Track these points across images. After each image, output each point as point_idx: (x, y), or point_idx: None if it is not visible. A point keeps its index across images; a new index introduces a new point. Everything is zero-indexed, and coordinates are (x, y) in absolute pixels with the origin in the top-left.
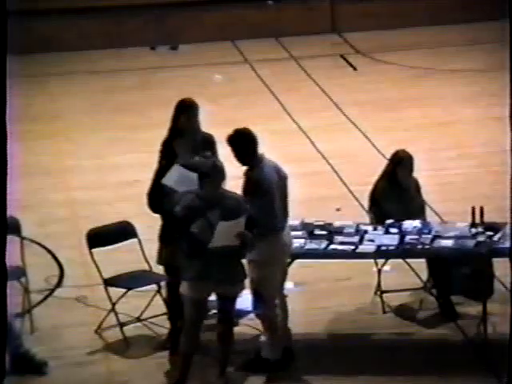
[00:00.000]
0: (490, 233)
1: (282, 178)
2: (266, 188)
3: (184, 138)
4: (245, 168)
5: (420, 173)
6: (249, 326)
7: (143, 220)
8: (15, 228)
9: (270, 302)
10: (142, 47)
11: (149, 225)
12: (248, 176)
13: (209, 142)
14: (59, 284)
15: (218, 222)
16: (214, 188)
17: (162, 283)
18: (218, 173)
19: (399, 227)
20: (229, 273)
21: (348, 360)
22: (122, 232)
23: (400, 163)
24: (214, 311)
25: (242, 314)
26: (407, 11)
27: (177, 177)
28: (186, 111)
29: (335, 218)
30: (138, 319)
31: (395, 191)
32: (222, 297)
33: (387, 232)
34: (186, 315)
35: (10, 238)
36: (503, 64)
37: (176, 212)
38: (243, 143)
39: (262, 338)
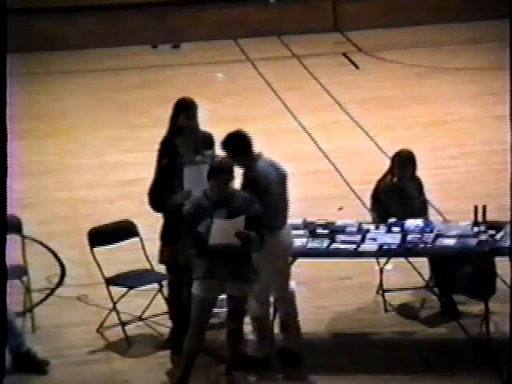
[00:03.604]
0: (493, 231)
1: (281, 176)
2: (264, 187)
3: (185, 137)
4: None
5: (422, 171)
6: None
7: (145, 219)
8: (16, 227)
9: (260, 301)
10: (143, 46)
11: (150, 224)
12: (246, 176)
13: (208, 141)
14: (60, 283)
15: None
16: (221, 187)
17: (164, 282)
18: (226, 172)
19: (401, 226)
20: (237, 272)
21: (350, 359)
22: (123, 231)
23: (398, 162)
24: (217, 310)
25: None
26: (409, 10)
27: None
28: (184, 110)
29: (337, 216)
30: (140, 318)
31: (397, 190)
32: (232, 296)
33: (389, 231)
34: (192, 314)
35: (11, 236)
36: (505, 62)
37: (185, 211)
38: (237, 145)
39: (250, 336)
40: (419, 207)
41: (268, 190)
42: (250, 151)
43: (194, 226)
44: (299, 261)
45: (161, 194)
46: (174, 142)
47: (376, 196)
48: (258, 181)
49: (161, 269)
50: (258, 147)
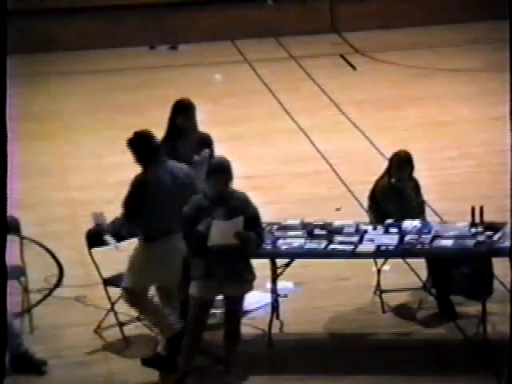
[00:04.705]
0: (490, 232)
1: (181, 184)
2: (155, 191)
3: (182, 138)
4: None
5: (419, 172)
6: (249, 326)
7: None
8: (15, 227)
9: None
10: (141, 47)
11: None
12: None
13: (206, 142)
14: (58, 283)
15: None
16: (220, 186)
17: None
18: (224, 171)
19: (399, 227)
20: (235, 272)
21: (347, 360)
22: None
23: (395, 163)
24: (215, 310)
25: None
26: (406, 11)
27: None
28: (183, 111)
29: (335, 217)
30: (138, 319)
31: (395, 191)
32: (230, 296)
33: (387, 232)
34: (190, 315)
35: (9, 237)
36: (502, 64)
37: (184, 212)
38: (139, 146)
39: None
40: (416, 208)
41: (159, 194)
42: (151, 155)
43: (194, 227)
44: (297, 261)
45: None
46: (173, 143)
47: (373, 197)
48: (150, 185)
49: None
50: (256, 148)
